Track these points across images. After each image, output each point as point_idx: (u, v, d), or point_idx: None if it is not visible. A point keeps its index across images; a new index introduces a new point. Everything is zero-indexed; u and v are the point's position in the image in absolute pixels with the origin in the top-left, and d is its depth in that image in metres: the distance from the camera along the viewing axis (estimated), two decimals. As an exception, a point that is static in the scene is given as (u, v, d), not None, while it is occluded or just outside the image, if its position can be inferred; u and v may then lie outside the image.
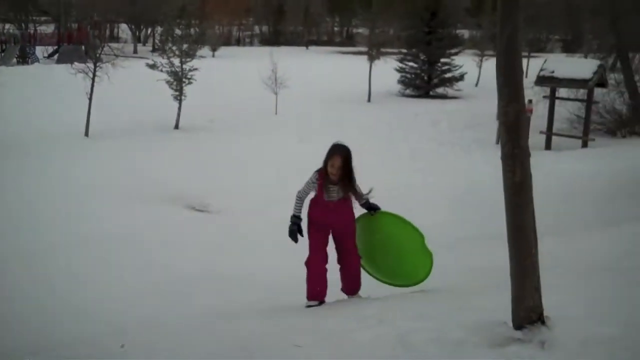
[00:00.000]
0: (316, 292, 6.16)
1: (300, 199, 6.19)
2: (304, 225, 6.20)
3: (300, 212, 6.18)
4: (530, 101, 17.87)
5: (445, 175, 15.84)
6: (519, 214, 3.70)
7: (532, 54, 36.51)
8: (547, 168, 14.71)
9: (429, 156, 17.61)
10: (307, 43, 61.56)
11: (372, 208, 6.30)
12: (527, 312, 3.69)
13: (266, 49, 33.74)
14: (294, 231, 6.17)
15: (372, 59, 26.51)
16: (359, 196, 6.21)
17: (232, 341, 4.91)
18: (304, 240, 6.17)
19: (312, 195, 6.19)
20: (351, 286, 6.30)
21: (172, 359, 4.71)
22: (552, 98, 18.42)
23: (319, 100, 24.58)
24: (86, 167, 14.54)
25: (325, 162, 6.02)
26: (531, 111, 17.71)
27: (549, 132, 18.16)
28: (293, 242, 6.19)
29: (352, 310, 5.44)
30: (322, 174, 6.06)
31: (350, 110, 22.84)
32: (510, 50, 3.66)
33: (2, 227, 10.41)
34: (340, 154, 5.98)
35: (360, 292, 6.31)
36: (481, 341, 3.74)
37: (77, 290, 7.73)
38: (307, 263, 6.18)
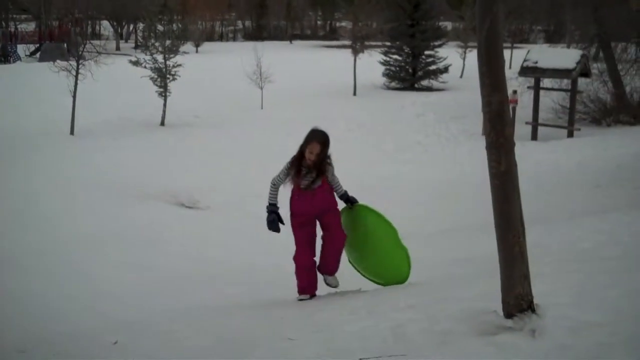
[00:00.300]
0: (306, 286, 6.16)
1: (274, 186, 6.04)
2: (283, 213, 6.11)
3: (275, 200, 6.05)
4: (515, 92, 17.96)
5: (431, 167, 15.90)
6: (505, 203, 3.72)
7: (515, 45, 36.65)
8: (533, 158, 14.80)
9: (415, 148, 17.66)
10: (291, 37, 61.51)
11: (349, 201, 6.20)
12: (517, 300, 3.71)
13: (250, 44, 33.64)
14: (274, 221, 6.03)
15: (356, 52, 26.51)
16: (336, 186, 6.12)
17: (223, 335, 4.92)
18: (290, 235, 6.14)
19: (288, 187, 6.09)
20: (331, 261, 6.16)
21: (163, 354, 4.72)
22: (537, 88, 18.51)
23: (305, 95, 24.56)
24: (73, 166, 14.46)
25: (303, 147, 5.93)
26: (516, 102, 17.82)
27: (535, 123, 18.25)
28: (275, 234, 6.10)
29: (342, 302, 5.47)
30: (297, 160, 5.96)
31: (336, 104, 22.84)
32: (491, 40, 3.67)
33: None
34: (319, 141, 5.91)
35: (351, 285, 6.32)
36: (471, 330, 3.76)
37: (69, 288, 7.70)
38: (295, 258, 6.12)
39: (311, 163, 5.90)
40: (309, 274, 6.13)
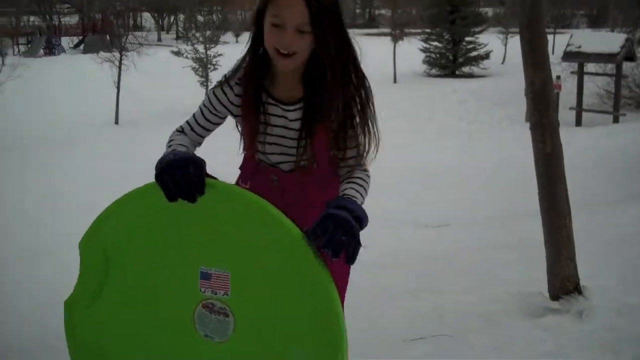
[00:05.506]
0: None
1: (179, 136, 2.28)
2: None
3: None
4: (558, 77, 17.69)
5: (474, 153, 15.75)
6: (551, 184, 3.69)
7: (558, 30, 36.05)
8: (578, 144, 14.57)
9: (458, 135, 17.52)
10: (331, 26, 61.35)
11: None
12: (563, 282, 3.69)
13: (290, 33, 33.67)
14: (174, 162, 1.94)
15: (395, 39, 26.38)
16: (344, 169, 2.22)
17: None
18: None
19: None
20: None
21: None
22: (581, 73, 18.20)
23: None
24: (118, 155, 14.67)
25: (260, 15, 2.16)
26: (560, 87, 17.54)
27: (579, 108, 17.95)
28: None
29: (381, 286, 5.44)
30: (248, 72, 2.23)
31: (376, 91, 21.65)
32: (534, 17, 3.64)
33: (37, 216, 10.58)
34: None
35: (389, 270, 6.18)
36: (517, 312, 3.75)
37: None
38: None
39: (290, 65, 2.13)
40: None
